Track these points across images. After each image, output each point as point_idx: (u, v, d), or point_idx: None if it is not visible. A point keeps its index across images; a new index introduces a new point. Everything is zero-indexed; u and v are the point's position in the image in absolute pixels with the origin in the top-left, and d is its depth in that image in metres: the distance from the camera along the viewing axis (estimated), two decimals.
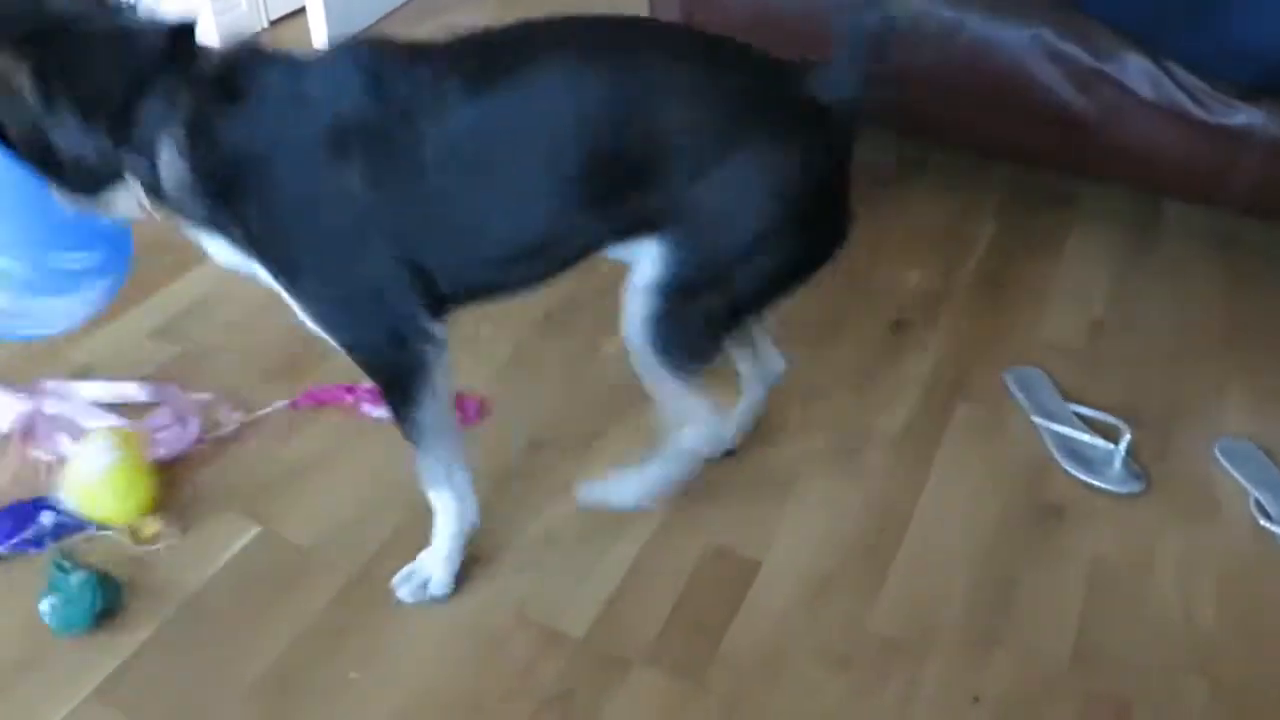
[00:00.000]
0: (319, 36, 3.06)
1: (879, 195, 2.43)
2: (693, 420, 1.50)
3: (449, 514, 1.48)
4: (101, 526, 1.55)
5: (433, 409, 1.39)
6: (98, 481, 1.52)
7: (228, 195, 1.25)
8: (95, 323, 1.91)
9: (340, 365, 1.71)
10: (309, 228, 1.28)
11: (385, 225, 1.27)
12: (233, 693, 1.38)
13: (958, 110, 2.24)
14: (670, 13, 2.41)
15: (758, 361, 1.69)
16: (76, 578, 1.46)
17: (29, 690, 1.37)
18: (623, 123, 1.27)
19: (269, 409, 1.77)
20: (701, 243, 1.34)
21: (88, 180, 1.25)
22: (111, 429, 1.61)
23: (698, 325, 1.41)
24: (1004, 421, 1.85)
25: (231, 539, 1.58)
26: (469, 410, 1.79)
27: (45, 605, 1.43)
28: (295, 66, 1.27)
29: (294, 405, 1.78)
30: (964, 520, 1.66)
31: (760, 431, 1.79)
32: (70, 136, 1.19)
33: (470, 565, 1.54)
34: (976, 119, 2.24)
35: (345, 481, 1.68)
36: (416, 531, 1.59)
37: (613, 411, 1.82)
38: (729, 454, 1.73)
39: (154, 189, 1.26)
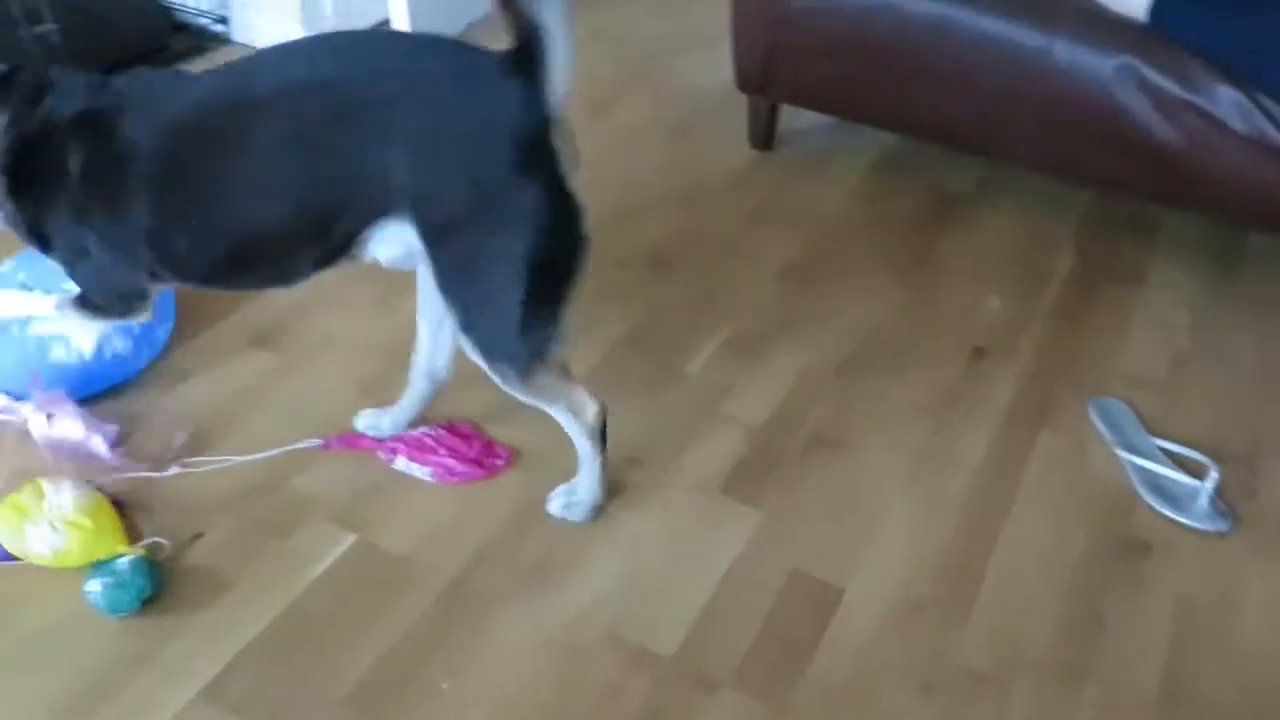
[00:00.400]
0: None
1: (956, 217, 2.44)
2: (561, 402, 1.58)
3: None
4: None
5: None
6: (85, 514, 1.55)
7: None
8: (195, 330, 1.99)
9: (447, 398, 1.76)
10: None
11: None
12: (330, 698, 1.42)
13: (1041, 134, 2.24)
14: (755, 37, 2.44)
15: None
16: (126, 561, 1.52)
17: (140, 685, 1.43)
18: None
19: (302, 444, 1.77)
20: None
21: None
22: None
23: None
24: (1087, 452, 1.84)
25: (328, 548, 1.62)
26: (500, 457, 1.79)
27: (95, 586, 1.50)
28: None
29: (326, 446, 1.78)
30: (1049, 552, 1.66)
31: (841, 454, 1.81)
32: None
33: (561, 579, 1.57)
34: (1059, 144, 2.24)
35: (438, 492, 1.72)
36: (509, 543, 1.63)
37: (696, 432, 1.85)
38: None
39: None
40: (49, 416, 1.76)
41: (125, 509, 1.66)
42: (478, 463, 1.77)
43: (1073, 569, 1.64)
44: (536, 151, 1.41)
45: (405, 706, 1.42)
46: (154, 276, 1.57)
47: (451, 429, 1.81)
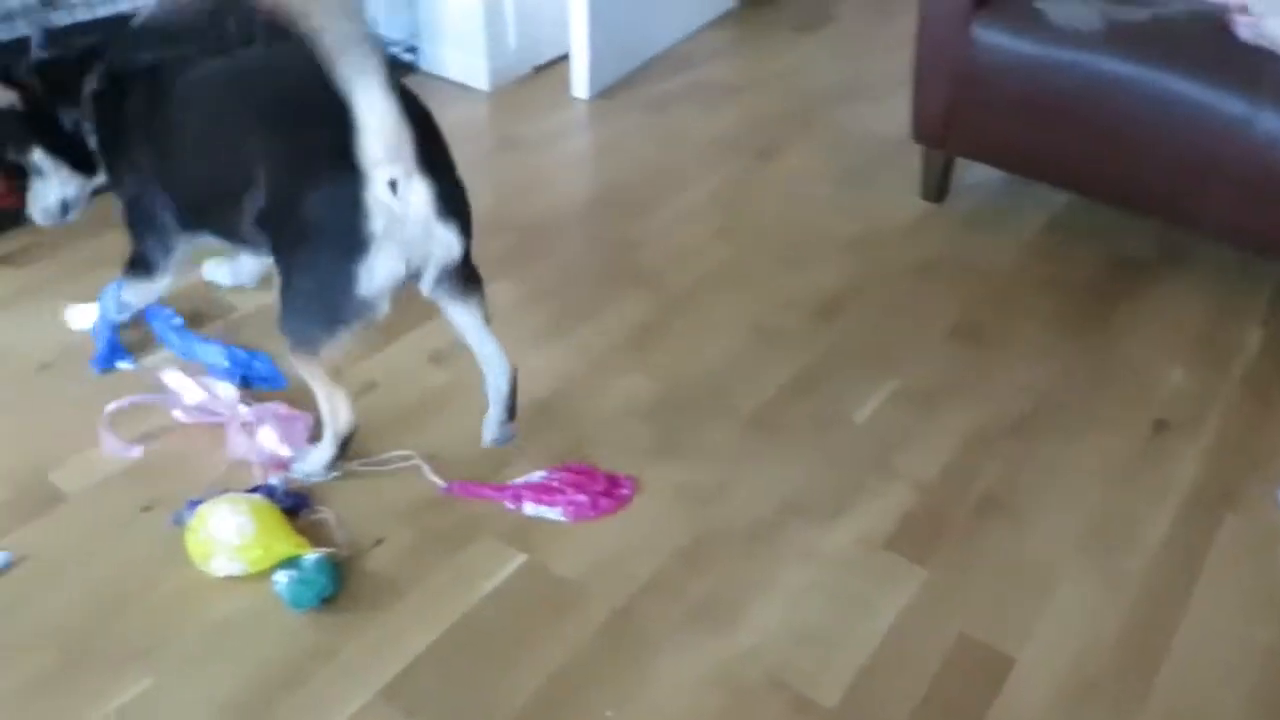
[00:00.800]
0: (579, 81, 3.22)
1: (1136, 282, 2.37)
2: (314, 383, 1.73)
3: None
4: None
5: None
6: (249, 539, 1.61)
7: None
8: (379, 344, 2.08)
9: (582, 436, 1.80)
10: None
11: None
12: (501, 712, 1.46)
13: (1236, 205, 2.17)
14: (938, 90, 2.43)
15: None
16: (312, 558, 1.59)
17: (322, 680, 1.49)
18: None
19: (433, 480, 1.81)
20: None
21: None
22: (223, 498, 1.67)
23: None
24: (1276, 541, 1.76)
25: (498, 566, 1.67)
26: (625, 487, 1.81)
27: (282, 577, 1.58)
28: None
29: (449, 490, 1.79)
30: (1233, 642, 1.59)
31: (1013, 518, 1.77)
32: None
33: (726, 619, 1.58)
34: (1257, 216, 2.16)
35: (613, 518, 1.76)
36: (676, 578, 1.65)
37: (862, 483, 1.84)
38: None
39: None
40: (249, 422, 1.87)
41: (309, 508, 1.75)
42: (606, 495, 1.79)
43: (1260, 663, 1.56)
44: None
45: None
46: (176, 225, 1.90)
47: (568, 469, 1.84)
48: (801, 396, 2.04)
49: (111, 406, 1.92)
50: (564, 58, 3.30)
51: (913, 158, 2.68)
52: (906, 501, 1.80)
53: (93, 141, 1.94)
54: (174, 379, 1.96)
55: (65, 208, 2.06)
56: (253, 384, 2.00)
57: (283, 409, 1.90)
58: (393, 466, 1.84)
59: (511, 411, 1.87)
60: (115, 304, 2.06)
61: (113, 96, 1.87)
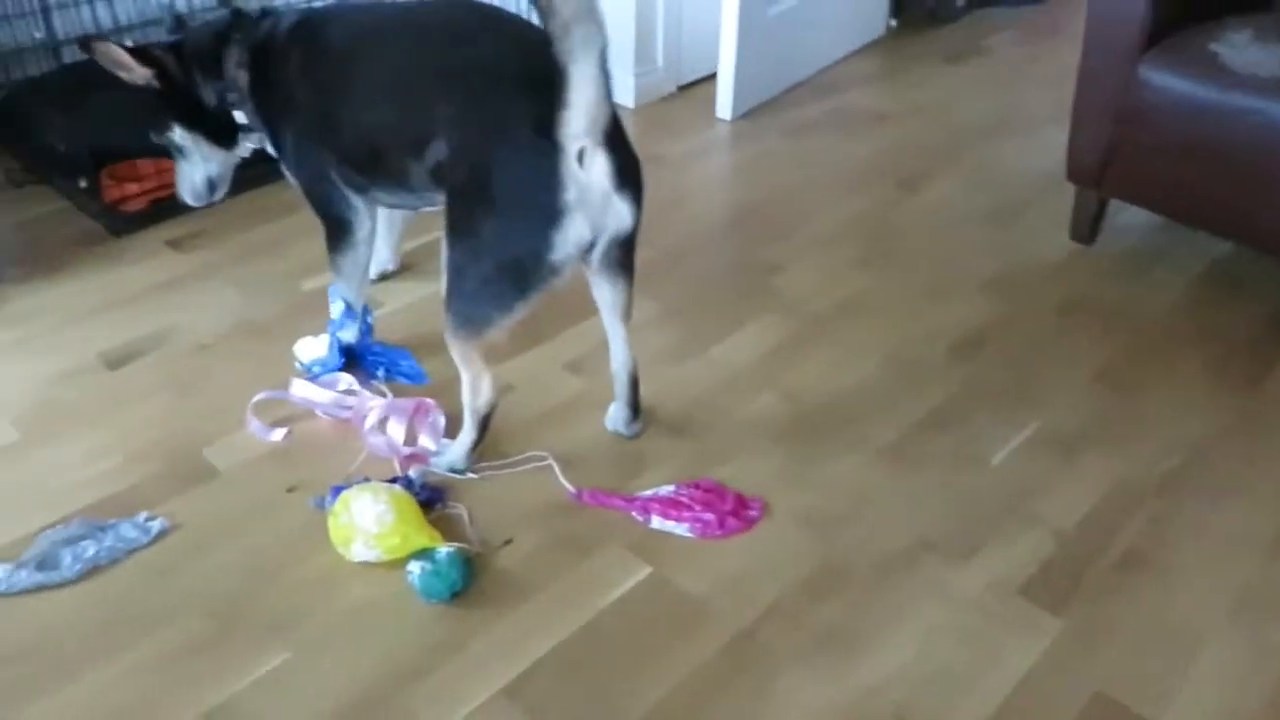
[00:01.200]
0: (724, 101, 3.24)
1: None
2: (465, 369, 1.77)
3: None
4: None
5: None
6: (388, 528, 1.65)
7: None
8: (517, 348, 2.12)
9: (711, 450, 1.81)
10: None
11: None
12: None
13: None
14: (1098, 130, 2.36)
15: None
16: (446, 552, 1.62)
17: (448, 673, 1.52)
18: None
19: (563, 485, 1.84)
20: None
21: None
22: (366, 486, 1.72)
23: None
24: None
25: (623, 576, 1.68)
26: (753, 509, 1.80)
27: (415, 568, 1.62)
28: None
29: (578, 497, 1.81)
30: None
31: (1157, 576, 1.70)
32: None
33: (851, 651, 1.56)
34: None
35: (738, 538, 1.75)
36: (802, 604, 1.63)
37: (997, 525, 1.79)
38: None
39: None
40: (387, 418, 1.93)
41: (443, 503, 1.80)
42: (734, 515, 1.78)
43: None
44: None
45: None
46: (340, 180, 1.93)
47: (697, 485, 1.83)
48: (937, 432, 2.00)
49: (260, 396, 2.00)
50: (710, 77, 3.32)
51: (1063, 196, 2.61)
52: (1044, 549, 1.75)
53: (244, 114, 1.99)
54: (299, 387, 2.02)
55: (212, 185, 2.15)
56: (395, 379, 2.07)
57: (417, 403, 1.96)
58: (525, 468, 1.87)
59: (634, 408, 1.92)
60: (344, 289, 2.09)
61: (266, 63, 1.91)
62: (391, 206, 2.08)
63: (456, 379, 1.81)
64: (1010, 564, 1.71)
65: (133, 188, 2.67)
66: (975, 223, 2.73)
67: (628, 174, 1.62)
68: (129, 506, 1.79)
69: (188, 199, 2.17)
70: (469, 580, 1.64)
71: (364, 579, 1.66)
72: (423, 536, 1.66)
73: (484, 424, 1.82)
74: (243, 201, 2.77)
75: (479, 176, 1.60)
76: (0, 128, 3.04)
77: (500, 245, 1.62)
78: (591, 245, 1.63)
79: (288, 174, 2.05)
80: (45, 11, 2.88)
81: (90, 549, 1.69)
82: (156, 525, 1.75)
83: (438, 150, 1.67)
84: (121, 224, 2.64)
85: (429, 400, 1.97)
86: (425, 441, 1.91)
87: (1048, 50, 3.85)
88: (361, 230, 2.03)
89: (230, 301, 2.37)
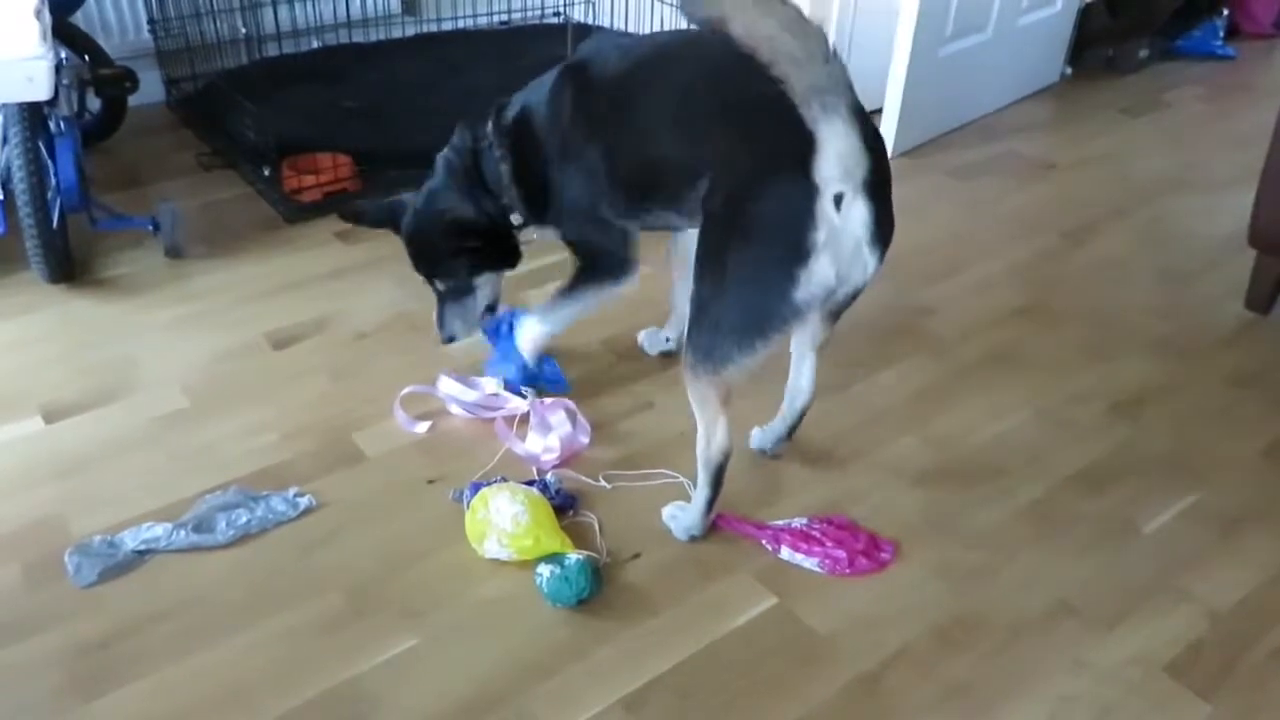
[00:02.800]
0: (888, 136, 3.20)
1: None
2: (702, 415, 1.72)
3: None
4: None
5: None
6: (522, 529, 1.67)
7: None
8: (661, 367, 2.14)
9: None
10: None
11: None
12: None
13: None
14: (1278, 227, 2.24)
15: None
16: (575, 559, 1.64)
17: (568, 676, 1.54)
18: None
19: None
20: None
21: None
22: (504, 485, 1.76)
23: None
24: None
25: (749, 603, 1.67)
26: (886, 551, 1.76)
27: (544, 571, 1.64)
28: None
29: (716, 520, 1.79)
30: None
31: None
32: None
33: (980, 712, 1.51)
34: None
35: (869, 578, 1.72)
36: (931, 655, 1.59)
37: (1144, 597, 1.70)
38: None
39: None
40: (534, 419, 1.97)
41: (576, 510, 1.82)
42: (865, 555, 1.75)
43: None
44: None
45: None
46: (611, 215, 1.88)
47: (830, 521, 1.80)
48: (1086, 493, 1.92)
49: (408, 389, 2.07)
50: (875, 111, 3.29)
51: (1241, 262, 2.48)
52: (1195, 628, 1.65)
53: (516, 212, 1.94)
54: (446, 384, 2.07)
55: (492, 309, 2.07)
56: (539, 386, 2.10)
57: (553, 406, 2.00)
58: (659, 482, 1.88)
59: (790, 433, 1.94)
60: (548, 321, 2.03)
61: (525, 138, 1.88)
62: (655, 229, 1.94)
63: (593, 386, 1.83)
64: (1157, 640, 1.63)
65: (310, 180, 2.81)
66: (1143, 281, 2.62)
67: (883, 226, 1.58)
68: (281, 481, 1.87)
69: (457, 336, 2.06)
70: (596, 589, 1.65)
71: (495, 575, 1.69)
72: (555, 541, 1.68)
73: (718, 477, 1.73)
74: None
75: (735, 206, 1.58)
76: (196, 115, 3.26)
77: (747, 278, 1.57)
78: (833, 292, 1.59)
79: (545, 234, 1.98)
80: (252, 9, 3.07)
81: (243, 517, 1.77)
82: (304, 501, 1.82)
83: (706, 179, 1.65)
84: (296, 213, 2.78)
85: (568, 401, 2.01)
86: (553, 441, 1.93)
87: (1236, 107, 3.67)
88: (634, 272, 1.95)
89: (390, 295, 2.46)
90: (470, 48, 3.55)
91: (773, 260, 1.55)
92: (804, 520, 1.81)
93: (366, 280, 2.53)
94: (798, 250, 1.52)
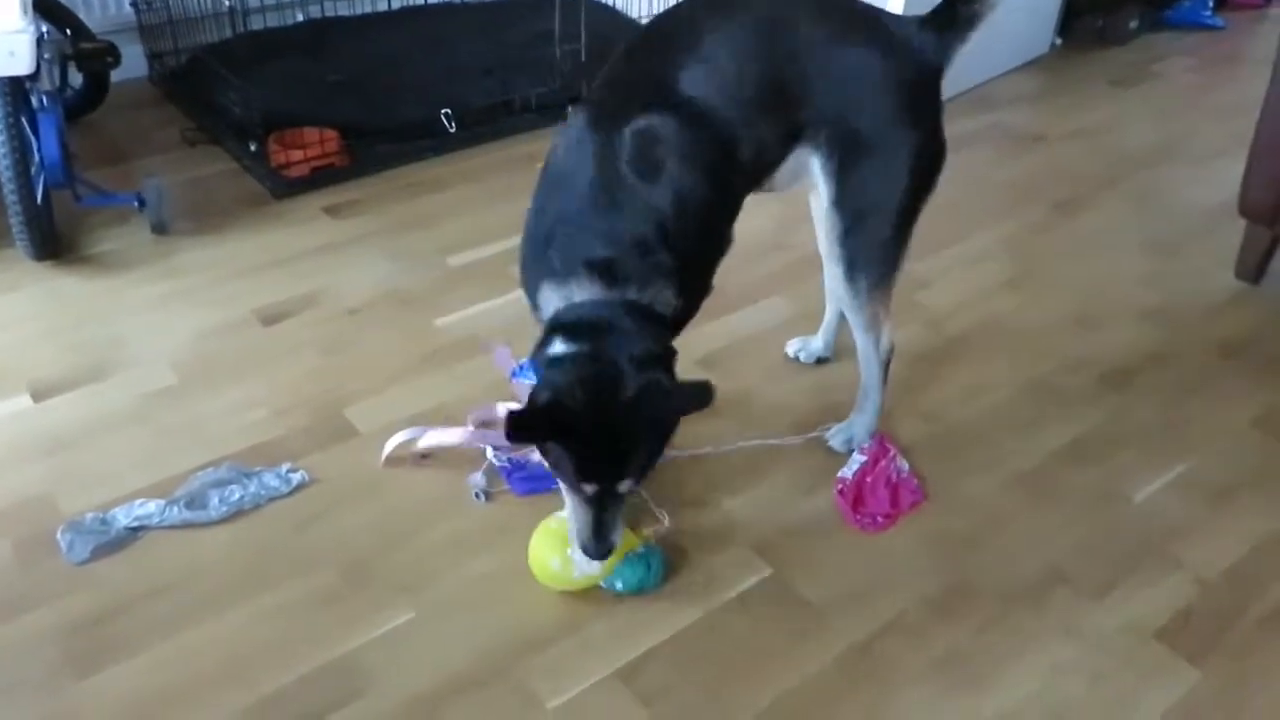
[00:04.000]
0: None
1: None
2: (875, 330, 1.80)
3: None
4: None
5: None
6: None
7: None
8: None
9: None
10: None
11: None
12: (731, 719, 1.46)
13: None
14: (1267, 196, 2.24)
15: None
16: (649, 552, 1.62)
17: (565, 649, 1.55)
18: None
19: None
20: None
21: None
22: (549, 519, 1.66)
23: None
24: None
25: (743, 574, 1.67)
26: (907, 491, 1.80)
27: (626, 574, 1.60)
28: None
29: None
30: None
31: None
32: None
33: (972, 679, 1.52)
34: None
35: (862, 549, 1.73)
36: (924, 625, 1.60)
37: (1135, 566, 1.72)
38: (822, 361, 2.14)
39: None
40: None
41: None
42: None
43: None
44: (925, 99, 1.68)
45: None
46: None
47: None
48: (1077, 463, 1.93)
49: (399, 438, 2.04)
50: None
51: (1231, 231, 2.48)
52: (1184, 595, 1.67)
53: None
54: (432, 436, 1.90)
55: None
56: None
57: None
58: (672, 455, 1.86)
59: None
60: None
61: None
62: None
63: None
64: (1147, 607, 1.64)
65: (297, 154, 2.78)
66: (1133, 252, 2.62)
67: None
68: (273, 457, 1.87)
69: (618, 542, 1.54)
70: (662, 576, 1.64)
71: (489, 550, 1.69)
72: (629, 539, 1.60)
73: (887, 375, 1.88)
74: (397, 175, 2.87)
75: (874, 131, 1.64)
76: (180, 89, 3.22)
77: (904, 196, 1.69)
78: None
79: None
80: None
81: (236, 493, 1.77)
82: (297, 477, 1.82)
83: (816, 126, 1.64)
84: (284, 188, 2.76)
85: None
86: None
87: (1225, 78, 3.67)
88: None
89: (380, 270, 2.44)
90: (456, 21, 3.51)
91: (922, 171, 1.69)
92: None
93: (356, 255, 2.51)
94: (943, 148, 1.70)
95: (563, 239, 1.51)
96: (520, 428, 1.39)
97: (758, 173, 1.67)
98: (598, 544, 1.49)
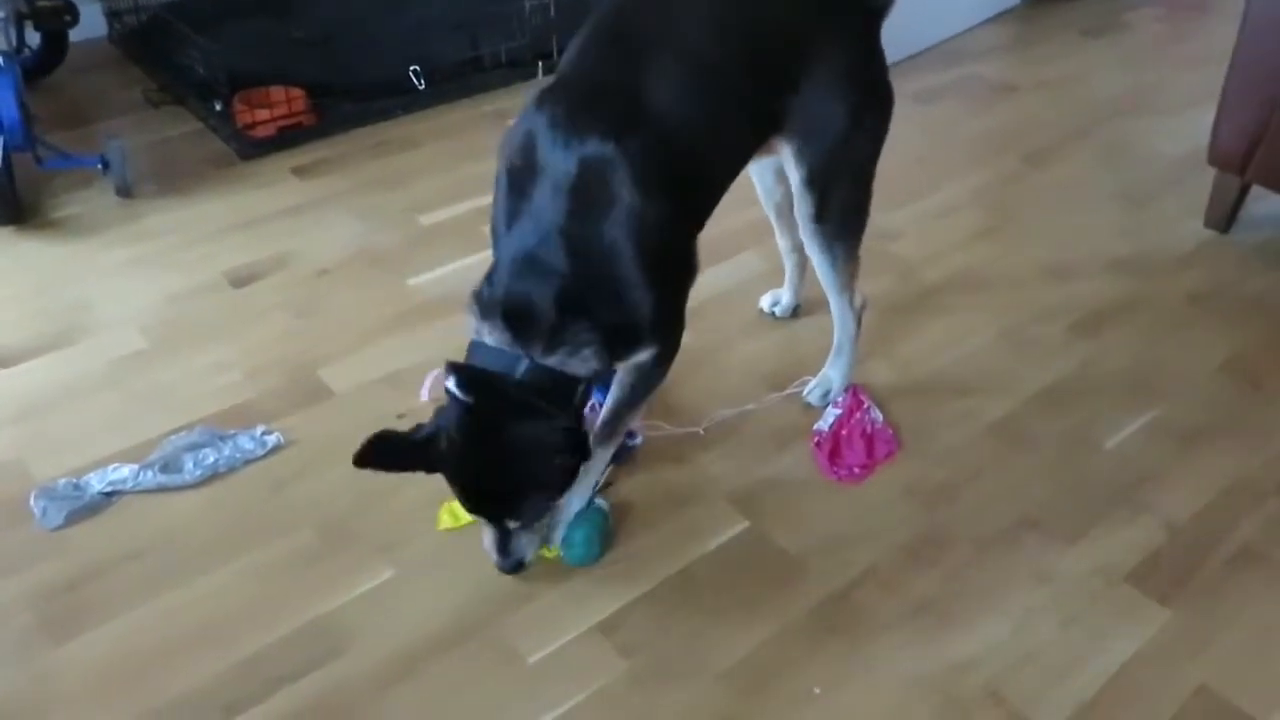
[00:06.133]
0: None
1: None
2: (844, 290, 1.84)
3: None
4: None
5: None
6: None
7: None
8: None
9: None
10: None
11: None
12: (710, 669, 1.47)
13: None
14: (1250, 112, 2.25)
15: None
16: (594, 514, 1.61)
17: (547, 603, 1.56)
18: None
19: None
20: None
21: None
22: None
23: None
24: None
25: (720, 527, 1.69)
26: (882, 442, 1.82)
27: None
28: None
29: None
30: None
31: (1275, 576, 1.63)
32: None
33: (947, 624, 1.54)
34: None
35: (837, 500, 1.74)
36: (899, 573, 1.62)
37: (1106, 510, 1.74)
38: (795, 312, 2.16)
39: None
40: None
41: None
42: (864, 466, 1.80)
43: None
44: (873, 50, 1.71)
45: (776, 700, 1.44)
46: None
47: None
48: (1049, 412, 1.95)
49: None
50: None
51: (1200, 181, 2.50)
52: (1154, 538, 1.70)
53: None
54: None
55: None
56: None
57: None
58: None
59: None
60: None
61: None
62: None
63: None
64: (1118, 550, 1.67)
65: (263, 114, 2.74)
66: (1103, 202, 2.63)
67: None
68: (247, 419, 1.86)
69: (529, 560, 1.56)
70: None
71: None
72: None
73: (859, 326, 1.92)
74: (365, 134, 2.84)
75: (833, 101, 1.64)
76: (141, 49, 3.16)
77: (870, 163, 1.73)
78: None
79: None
80: None
81: (210, 456, 1.76)
82: (272, 439, 1.81)
83: (782, 107, 1.62)
84: (250, 149, 2.72)
85: None
86: None
87: (1194, 28, 3.67)
88: None
89: (350, 230, 2.42)
90: None
91: (881, 130, 1.72)
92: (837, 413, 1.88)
93: (325, 216, 2.49)
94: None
95: (499, 262, 1.45)
96: (388, 454, 1.42)
97: (727, 179, 1.62)
98: (502, 559, 1.53)
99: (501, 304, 1.42)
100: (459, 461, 1.43)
